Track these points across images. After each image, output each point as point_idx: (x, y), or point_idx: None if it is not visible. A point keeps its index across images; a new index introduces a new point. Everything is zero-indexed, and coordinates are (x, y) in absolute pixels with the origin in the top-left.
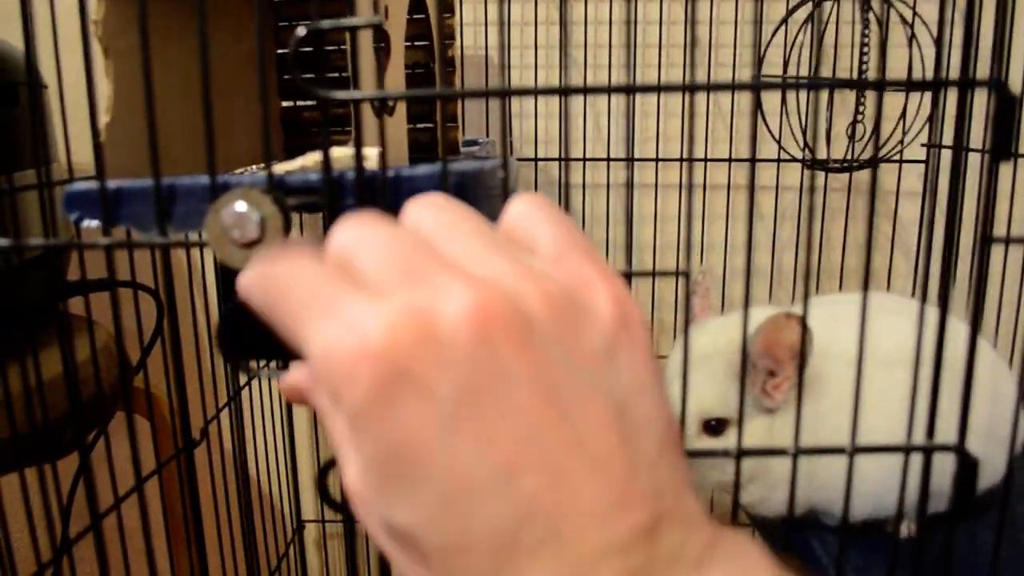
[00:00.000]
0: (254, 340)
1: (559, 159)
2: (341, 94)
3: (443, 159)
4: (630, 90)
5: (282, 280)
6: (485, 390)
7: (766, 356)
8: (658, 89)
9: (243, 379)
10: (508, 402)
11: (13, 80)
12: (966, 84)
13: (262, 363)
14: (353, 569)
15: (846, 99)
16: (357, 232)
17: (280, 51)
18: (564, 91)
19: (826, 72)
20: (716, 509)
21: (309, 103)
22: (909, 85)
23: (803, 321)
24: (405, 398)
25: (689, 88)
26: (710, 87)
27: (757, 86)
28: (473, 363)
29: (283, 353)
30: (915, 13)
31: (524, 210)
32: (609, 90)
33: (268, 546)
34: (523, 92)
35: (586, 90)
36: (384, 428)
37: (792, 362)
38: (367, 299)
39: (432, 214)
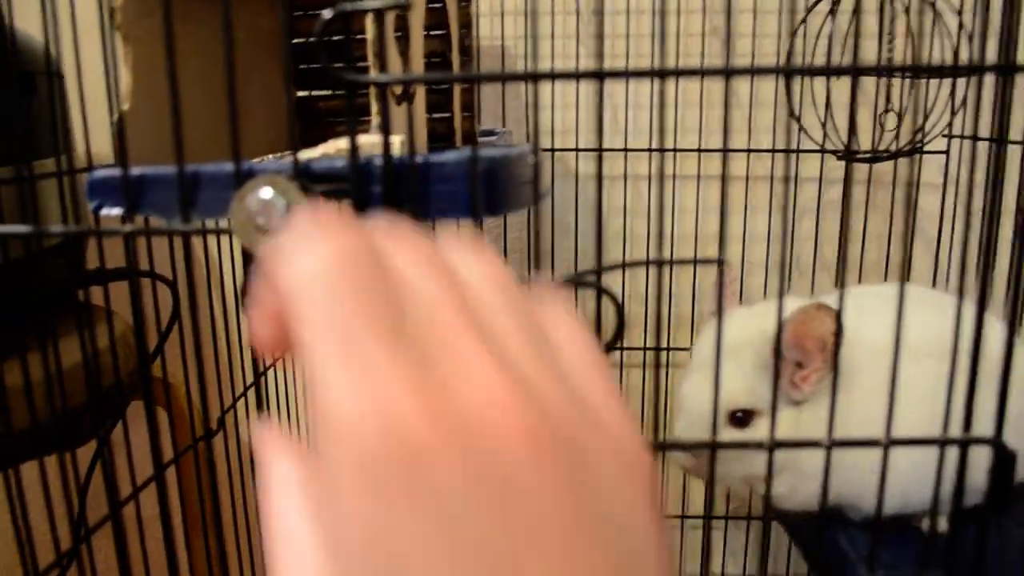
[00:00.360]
0: None
1: (576, 149)
2: (368, 77)
3: (474, 144)
4: (660, 74)
5: (326, 283)
6: (509, 515)
7: (795, 347)
8: (677, 73)
9: (260, 368)
10: (527, 535)
11: (31, 70)
12: (1006, 69)
13: None
14: None
15: (868, 91)
16: (418, 261)
17: (296, 40)
18: (599, 75)
19: (848, 62)
20: (732, 502)
21: (324, 93)
22: (946, 71)
23: (837, 313)
24: (409, 502)
25: (725, 72)
26: (732, 71)
27: (789, 71)
28: (506, 482)
29: None
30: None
31: (554, 305)
32: (628, 74)
33: None
34: (549, 76)
35: (605, 74)
36: (373, 524)
37: (821, 353)
38: (404, 366)
39: (479, 270)
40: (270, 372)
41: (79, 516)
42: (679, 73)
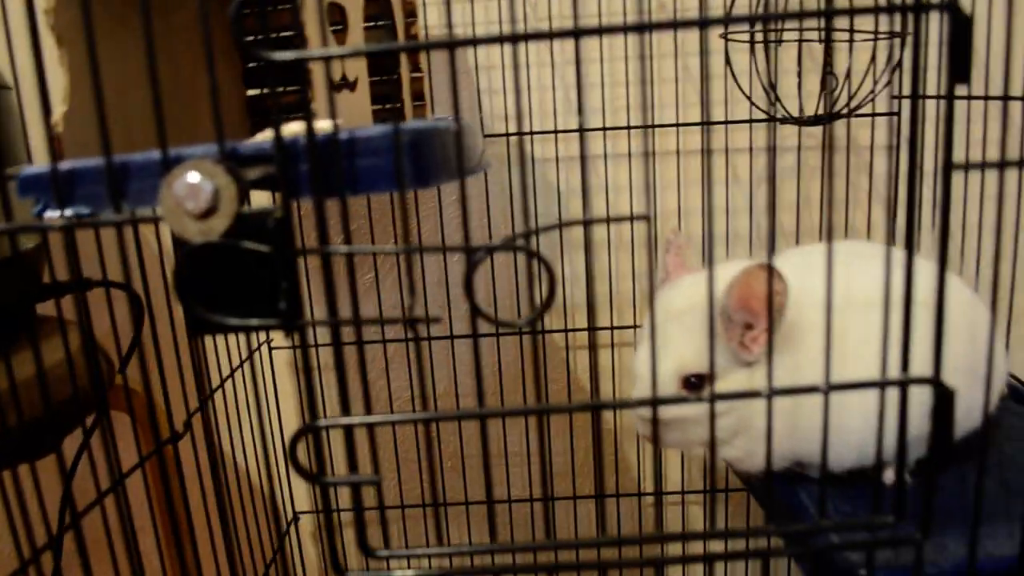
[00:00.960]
0: (212, 296)
1: (510, 133)
2: (286, 54)
3: (396, 117)
4: (576, 34)
5: None
6: None
7: (742, 309)
8: (601, 31)
9: (225, 372)
10: None
11: None
12: (918, 8)
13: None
14: (331, 545)
15: (816, 58)
16: None
17: (247, 39)
18: (514, 38)
19: (792, 26)
20: (710, 475)
21: (276, 89)
22: (864, 11)
23: (771, 268)
24: None
25: (647, 27)
26: (650, 26)
27: (705, 22)
28: None
29: (240, 306)
30: None
31: None
32: (552, 35)
33: (263, 538)
34: (468, 42)
35: (530, 36)
36: None
37: (768, 313)
38: None
39: None
40: (237, 374)
41: (59, 525)
42: (599, 31)
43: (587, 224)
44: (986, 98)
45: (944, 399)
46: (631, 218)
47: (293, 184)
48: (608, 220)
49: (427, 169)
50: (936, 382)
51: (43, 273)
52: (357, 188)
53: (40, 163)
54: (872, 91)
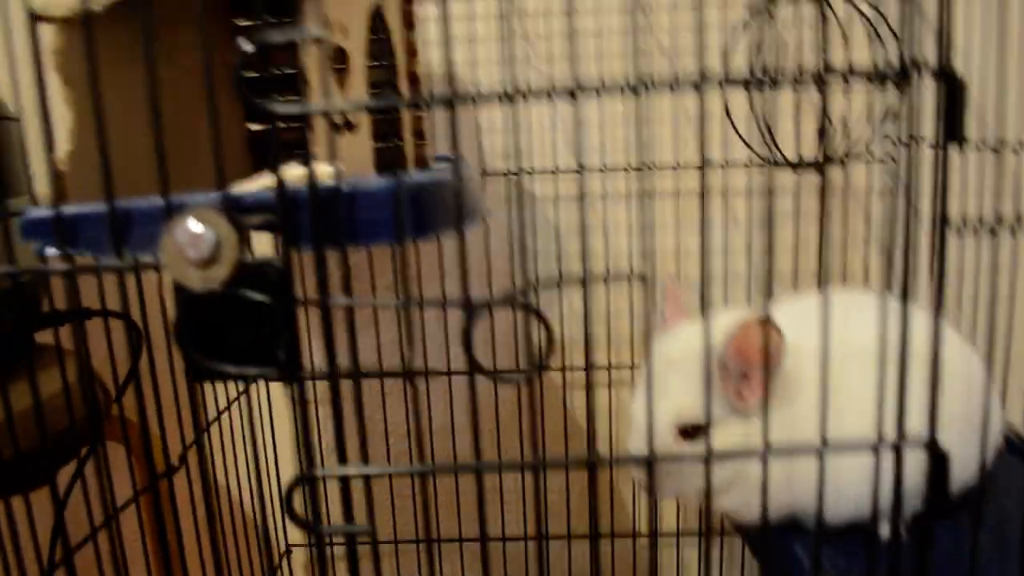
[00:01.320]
0: (212, 343)
1: (509, 172)
2: (290, 107)
3: (397, 170)
4: (574, 93)
5: None
6: None
7: (739, 359)
8: (599, 89)
9: (222, 404)
10: None
11: None
12: (912, 74)
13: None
14: None
15: (816, 102)
16: None
17: (247, 75)
18: (512, 96)
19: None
20: (702, 518)
21: (281, 125)
22: (850, 77)
23: (767, 321)
24: None
25: (637, 87)
26: (669, 85)
27: (723, 82)
28: None
29: (239, 353)
30: (859, 10)
31: None
32: (550, 93)
33: (255, 570)
34: (468, 99)
35: (528, 93)
36: None
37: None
38: None
39: None
40: (234, 406)
41: (50, 557)
42: (598, 90)
43: (585, 283)
44: (995, 150)
45: (939, 461)
46: (629, 277)
47: (294, 234)
48: (607, 279)
49: (427, 221)
50: (932, 445)
51: (42, 302)
52: (358, 239)
53: (42, 196)
54: (870, 138)
